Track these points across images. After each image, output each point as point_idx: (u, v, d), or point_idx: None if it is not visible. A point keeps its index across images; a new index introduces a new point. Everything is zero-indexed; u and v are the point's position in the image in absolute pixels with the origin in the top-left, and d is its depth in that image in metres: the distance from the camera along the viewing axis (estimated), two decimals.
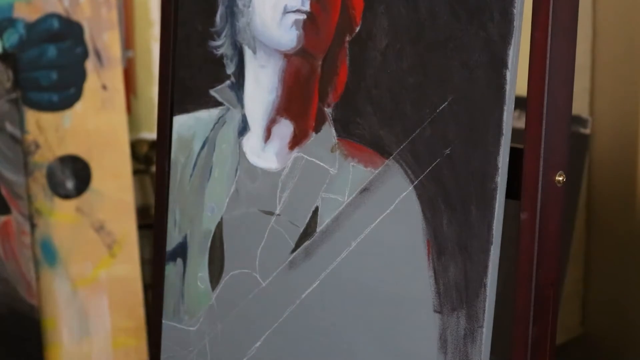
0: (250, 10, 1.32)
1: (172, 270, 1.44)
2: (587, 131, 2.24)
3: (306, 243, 1.26)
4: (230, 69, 1.36)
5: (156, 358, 1.47)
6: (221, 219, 1.37)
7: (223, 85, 1.37)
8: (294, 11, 1.27)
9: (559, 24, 1.05)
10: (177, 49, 1.43)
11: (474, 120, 1.10)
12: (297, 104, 1.28)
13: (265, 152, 1.32)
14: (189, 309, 1.41)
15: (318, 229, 1.25)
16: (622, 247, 2.25)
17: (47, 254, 2.24)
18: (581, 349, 2.33)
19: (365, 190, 1.20)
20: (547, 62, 1.06)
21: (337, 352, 1.24)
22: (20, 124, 2.19)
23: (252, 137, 1.34)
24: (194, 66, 1.41)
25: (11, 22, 2.20)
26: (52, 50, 2.23)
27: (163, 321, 1.45)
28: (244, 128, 1.35)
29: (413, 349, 1.16)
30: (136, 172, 2.54)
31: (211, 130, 1.39)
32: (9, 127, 2.17)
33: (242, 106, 1.35)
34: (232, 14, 1.35)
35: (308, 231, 1.26)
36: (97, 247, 2.27)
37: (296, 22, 1.27)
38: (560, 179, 1.08)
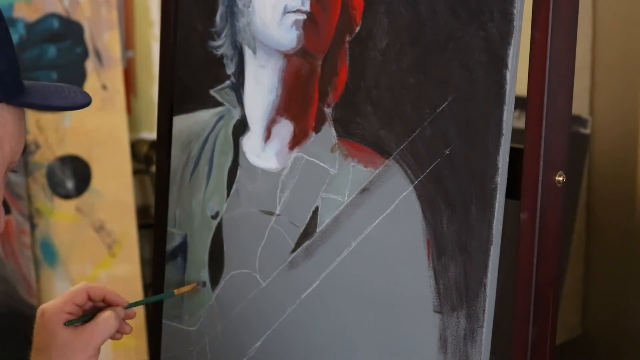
0: (250, 11, 1.32)
1: (172, 270, 1.44)
2: (587, 131, 2.24)
3: (306, 243, 1.26)
4: (230, 69, 1.36)
5: (156, 358, 1.47)
6: (221, 219, 1.37)
7: (223, 85, 1.37)
8: (294, 11, 1.27)
9: (559, 24, 1.05)
10: (177, 49, 1.43)
11: (474, 120, 1.10)
12: (297, 104, 1.28)
13: (265, 152, 1.32)
14: (189, 308, 1.41)
15: (318, 229, 1.25)
16: (622, 247, 2.25)
17: (47, 253, 2.24)
18: (581, 349, 2.33)
19: (365, 190, 1.20)
20: (547, 62, 1.05)
21: (337, 352, 1.24)
22: None
23: (252, 137, 1.34)
24: (194, 66, 1.41)
25: (11, 22, 2.20)
26: (52, 50, 2.23)
27: (163, 321, 1.45)
28: (243, 128, 1.35)
29: (413, 349, 1.16)
30: (136, 172, 2.53)
31: (211, 130, 1.39)
32: None
33: (242, 106, 1.35)
34: (232, 14, 1.35)
35: (308, 231, 1.26)
36: (97, 247, 2.27)
37: (296, 22, 1.27)
38: (560, 179, 1.08)
